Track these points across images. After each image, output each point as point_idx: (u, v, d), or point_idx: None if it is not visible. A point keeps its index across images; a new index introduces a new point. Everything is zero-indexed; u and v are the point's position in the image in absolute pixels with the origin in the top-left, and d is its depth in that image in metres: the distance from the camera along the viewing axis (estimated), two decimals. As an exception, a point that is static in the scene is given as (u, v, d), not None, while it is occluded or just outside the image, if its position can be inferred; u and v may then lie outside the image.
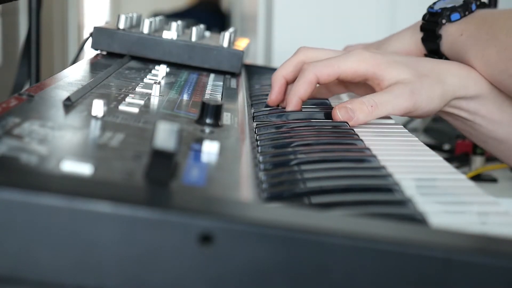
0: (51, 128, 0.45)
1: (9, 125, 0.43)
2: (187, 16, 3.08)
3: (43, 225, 0.32)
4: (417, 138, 0.63)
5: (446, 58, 0.76)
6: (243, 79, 0.87)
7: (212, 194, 0.39)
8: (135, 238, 0.32)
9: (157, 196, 0.35)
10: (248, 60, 1.08)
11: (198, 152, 0.46)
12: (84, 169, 0.38)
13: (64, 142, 0.43)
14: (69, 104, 0.53)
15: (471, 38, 0.71)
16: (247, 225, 0.33)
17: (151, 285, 0.33)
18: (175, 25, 0.89)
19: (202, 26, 0.95)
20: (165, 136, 0.37)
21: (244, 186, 0.42)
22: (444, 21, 0.74)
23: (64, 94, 0.56)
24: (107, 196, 0.33)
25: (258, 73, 0.99)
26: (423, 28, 0.77)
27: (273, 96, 0.71)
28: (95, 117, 0.50)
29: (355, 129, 0.63)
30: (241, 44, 0.94)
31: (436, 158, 0.56)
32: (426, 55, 0.78)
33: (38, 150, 0.39)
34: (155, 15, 1.07)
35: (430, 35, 0.76)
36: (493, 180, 0.90)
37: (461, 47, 0.73)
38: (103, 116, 0.51)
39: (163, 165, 0.37)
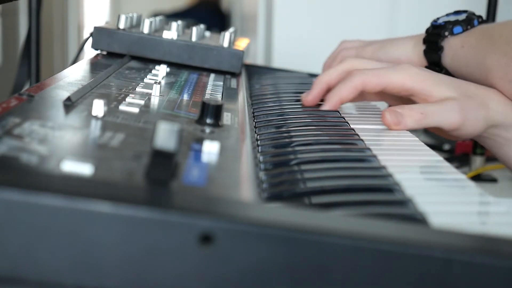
0: (51, 128, 0.45)
1: (9, 125, 0.43)
2: (187, 16, 3.08)
3: (43, 225, 0.32)
4: (417, 138, 0.63)
5: (447, 71, 0.77)
6: (243, 79, 0.87)
7: (212, 194, 0.39)
8: (135, 238, 0.32)
9: (157, 196, 0.35)
10: (248, 60, 1.08)
11: (198, 152, 0.46)
12: (84, 169, 0.38)
13: (64, 142, 0.43)
14: (69, 104, 0.53)
15: (472, 49, 0.73)
16: (247, 225, 0.33)
17: (151, 285, 0.33)
18: (175, 25, 0.89)
19: (202, 26, 0.95)
20: (165, 136, 0.37)
21: (244, 186, 0.42)
22: (446, 33, 0.77)
23: (64, 94, 0.56)
24: (107, 196, 0.33)
25: (258, 73, 0.99)
26: (426, 40, 0.79)
27: (310, 97, 0.71)
28: (95, 117, 0.50)
29: (355, 129, 0.63)
30: (241, 44, 0.94)
31: (436, 158, 0.56)
32: (427, 67, 0.79)
33: (38, 150, 0.39)
34: (155, 15, 1.07)
35: (433, 47, 0.78)
36: (493, 180, 0.90)
37: (462, 58, 0.74)
38: (103, 116, 0.51)
39: (163, 165, 0.37)
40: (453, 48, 0.76)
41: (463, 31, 0.76)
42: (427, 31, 0.80)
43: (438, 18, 0.80)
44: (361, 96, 0.76)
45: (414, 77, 0.67)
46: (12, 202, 0.32)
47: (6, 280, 0.32)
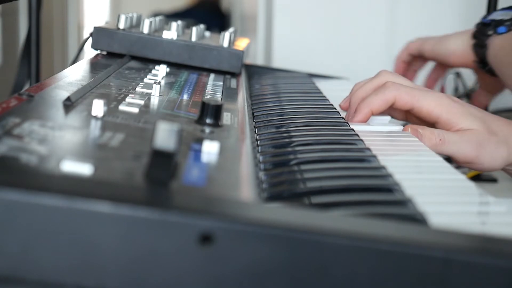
0: (51, 128, 0.45)
1: (9, 125, 0.43)
2: (187, 16, 3.08)
3: (43, 225, 0.32)
4: (416, 139, 0.63)
5: (490, 68, 0.81)
6: (243, 79, 0.87)
7: (212, 194, 0.39)
8: (135, 238, 0.32)
9: (157, 196, 0.35)
10: (248, 60, 1.08)
11: (198, 152, 0.46)
12: (84, 169, 0.38)
13: (64, 142, 0.43)
14: (69, 104, 0.53)
15: (509, 55, 0.76)
16: (247, 225, 0.33)
17: (151, 285, 0.33)
18: (175, 25, 0.89)
19: (202, 26, 0.95)
20: (165, 136, 0.37)
21: (244, 186, 0.42)
22: (491, 32, 0.79)
23: (64, 94, 0.56)
24: (107, 196, 0.33)
25: (258, 73, 0.99)
26: (474, 35, 0.83)
27: (347, 104, 0.71)
28: (95, 117, 0.50)
29: (355, 129, 0.63)
30: (241, 44, 0.94)
31: (436, 158, 0.56)
32: (474, 62, 0.82)
33: (38, 150, 0.39)
34: (155, 15, 1.07)
35: (479, 43, 0.82)
36: (493, 180, 0.90)
37: (499, 62, 0.78)
38: (103, 116, 0.51)
39: (163, 165, 0.37)
40: (495, 48, 0.79)
41: (507, 31, 0.78)
42: (477, 26, 0.82)
43: (488, 14, 0.82)
44: (388, 110, 0.76)
45: (443, 106, 0.67)
46: (12, 202, 0.32)
47: (6, 280, 0.32)
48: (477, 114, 0.68)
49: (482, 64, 0.81)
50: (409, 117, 0.78)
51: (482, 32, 0.81)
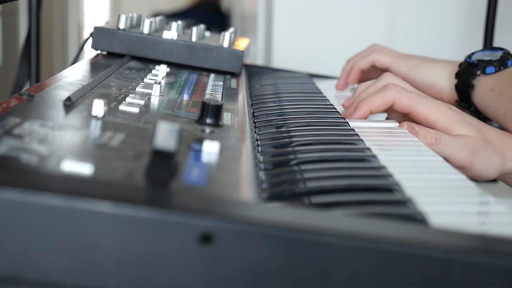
0: (51, 128, 0.45)
1: (9, 125, 0.43)
2: (187, 16, 3.08)
3: (43, 225, 0.32)
4: (417, 138, 0.63)
5: (476, 108, 0.78)
6: (243, 79, 0.87)
7: (212, 194, 0.39)
8: (135, 238, 0.32)
9: (157, 196, 0.35)
10: (248, 60, 1.08)
11: (198, 152, 0.46)
12: (84, 169, 0.38)
13: (64, 142, 0.43)
14: (69, 104, 0.53)
15: (501, 96, 0.73)
16: (247, 225, 0.33)
17: (151, 285, 0.33)
18: (175, 25, 0.89)
19: (202, 26, 0.95)
20: (165, 136, 0.37)
21: (244, 186, 0.42)
22: (479, 72, 0.76)
23: (64, 94, 0.56)
24: (107, 196, 0.33)
25: (258, 73, 0.99)
26: (458, 75, 0.79)
27: (351, 110, 0.72)
28: (95, 117, 0.50)
29: (355, 129, 0.63)
30: (241, 44, 0.94)
31: (436, 158, 0.56)
32: (457, 102, 0.80)
33: (38, 150, 0.39)
34: (155, 15, 1.07)
35: (464, 83, 0.78)
36: (493, 180, 0.90)
37: (491, 103, 0.75)
38: (103, 116, 0.51)
39: (163, 165, 0.37)
40: (484, 89, 0.76)
41: (496, 71, 0.75)
42: (460, 65, 0.79)
43: (472, 54, 0.79)
44: (387, 110, 0.76)
45: (441, 113, 0.68)
46: (12, 202, 0.32)
47: (6, 280, 0.32)
48: (474, 123, 0.69)
49: (466, 105, 0.79)
50: (407, 121, 0.77)
51: (468, 72, 0.78)
